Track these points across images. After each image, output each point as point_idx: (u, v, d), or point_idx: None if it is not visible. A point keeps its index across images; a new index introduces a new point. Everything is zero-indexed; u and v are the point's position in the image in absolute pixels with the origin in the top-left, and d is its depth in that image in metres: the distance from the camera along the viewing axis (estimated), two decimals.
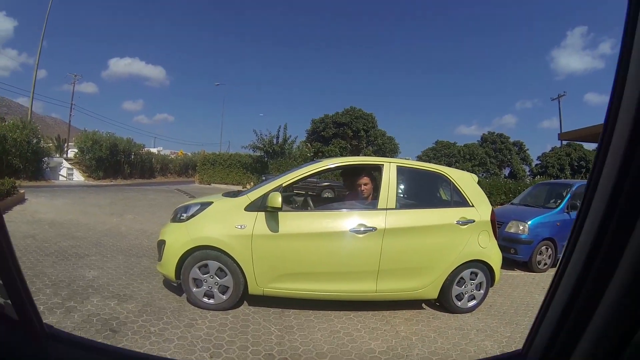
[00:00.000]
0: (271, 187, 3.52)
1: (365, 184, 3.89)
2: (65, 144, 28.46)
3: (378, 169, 3.78)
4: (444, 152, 35.53)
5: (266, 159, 24.96)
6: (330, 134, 33.86)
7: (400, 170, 3.79)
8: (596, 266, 0.59)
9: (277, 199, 3.29)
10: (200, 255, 3.41)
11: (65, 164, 24.26)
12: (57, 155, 24.67)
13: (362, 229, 3.43)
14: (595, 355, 0.59)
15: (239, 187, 18.43)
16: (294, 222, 3.47)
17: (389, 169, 3.69)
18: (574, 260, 0.63)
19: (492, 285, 3.96)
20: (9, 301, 0.62)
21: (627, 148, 0.59)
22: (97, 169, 24.83)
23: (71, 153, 27.16)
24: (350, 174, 4.13)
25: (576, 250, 0.63)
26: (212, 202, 3.64)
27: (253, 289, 3.42)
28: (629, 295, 0.55)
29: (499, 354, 3.01)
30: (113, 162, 26.13)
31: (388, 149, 34.72)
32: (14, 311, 0.63)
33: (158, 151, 32.34)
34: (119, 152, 26.72)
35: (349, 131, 33.97)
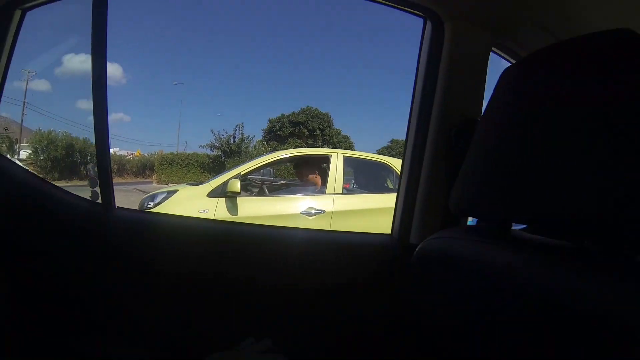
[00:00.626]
0: (231, 175, 3.86)
1: (314, 177, 4.29)
2: (17, 144, 26.85)
3: (327, 158, 4.22)
4: (398, 151, 36.52)
5: (223, 159, 24.78)
6: (286, 133, 33.81)
7: (347, 159, 4.26)
8: (410, 185, 1.10)
9: (236, 185, 3.64)
10: None
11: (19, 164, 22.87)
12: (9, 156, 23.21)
13: (312, 211, 3.84)
14: (422, 224, 1.08)
15: None
16: (251, 205, 3.84)
17: (337, 158, 4.15)
18: (402, 182, 1.14)
19: None
20: (97, 189, 1.01)
21: (419, 119, 1.12)
22: (52, 169, 23.64)
23: (23, 154, 25.69)
24: (302, 165, 4.51)
25: (402, 176, 1.15)
26: (178, 190, 3.95)
27: None
28: (403, 194, 1.12)
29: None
30: (69, 162, 24.98)
31: (343, 148, 35.23)
32: (100, 196, 1.01)
33: (114, 152, 31.10)
34: (75, 153, 25.60)
35: (305, 130, 34.09)
